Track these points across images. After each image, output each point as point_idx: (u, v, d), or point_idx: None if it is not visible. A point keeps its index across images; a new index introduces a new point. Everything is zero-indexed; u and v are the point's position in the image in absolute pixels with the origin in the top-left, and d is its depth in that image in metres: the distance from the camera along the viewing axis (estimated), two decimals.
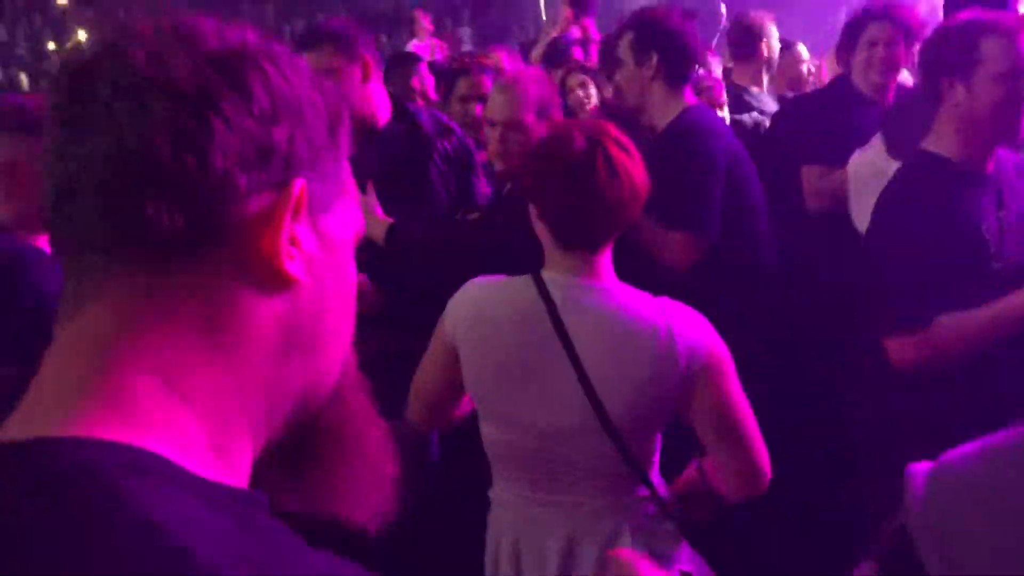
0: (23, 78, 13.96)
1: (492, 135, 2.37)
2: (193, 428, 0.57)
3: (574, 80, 3.92)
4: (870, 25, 3.00)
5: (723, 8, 6.56)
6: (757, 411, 1.67)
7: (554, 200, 1.65)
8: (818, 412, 2.50)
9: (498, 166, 2.40)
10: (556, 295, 1.64)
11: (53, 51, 15.65)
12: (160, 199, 0.56)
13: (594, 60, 4.75)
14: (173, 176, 0.55)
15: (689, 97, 2.65)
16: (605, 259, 1.68)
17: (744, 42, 3.76)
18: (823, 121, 3.08)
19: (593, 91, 3.81)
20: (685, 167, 2.46)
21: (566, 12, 5.31)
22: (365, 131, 2.50)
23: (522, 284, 1.68)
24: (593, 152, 1.62)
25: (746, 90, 3.69)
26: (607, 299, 1.64)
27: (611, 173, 1.62)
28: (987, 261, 2.04)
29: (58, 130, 0.59)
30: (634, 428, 1.63)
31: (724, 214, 2.49)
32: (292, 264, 0.60)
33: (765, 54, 3.72)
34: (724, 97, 3.41)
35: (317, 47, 2.49)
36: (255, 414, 0.61)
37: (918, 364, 2.02)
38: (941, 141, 2.10)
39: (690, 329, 1.62)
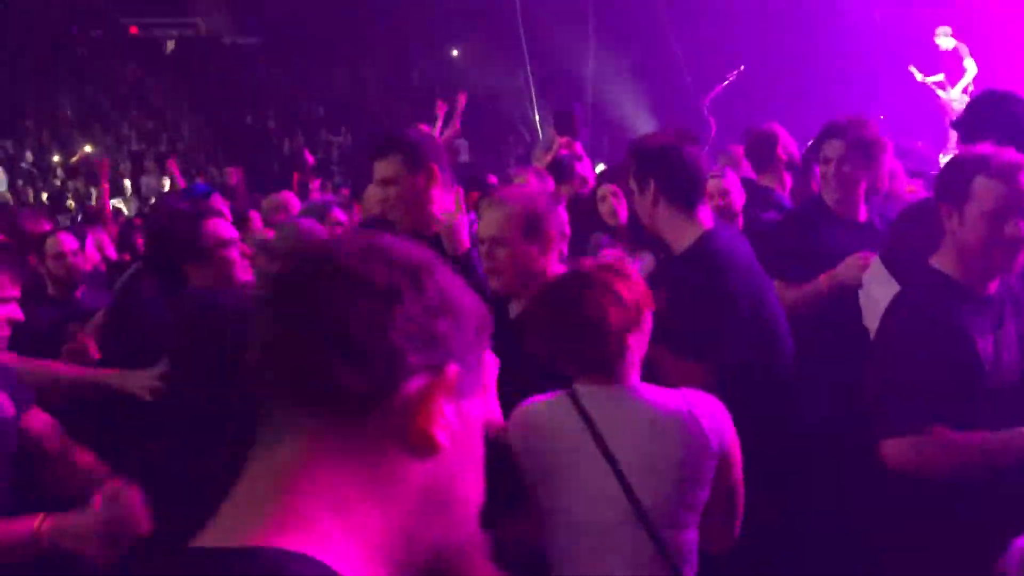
0: (29, 191, 14.22)
1: (482, 251, 2.39)
2: (352, 551, 0.71)
3: (604, 190, 4.04)
4: (825, 143, 3.11)
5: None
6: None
7: (554, 342, 1.83)
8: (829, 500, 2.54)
9: (491, 283, 2.39)
10: (587, 404, 1.80)
11: (58, 163, 15.98)
12: (348, 365, 0.71)
13: (592, 177, 5.01)
14: (361, 348, 0.71)
15: (706, 220, 2.52)
16: (626, 366, 1.82)
17: (761, 151, 3.92)
18: (788, 240, 3.15)
19: (623, 200, 3.86)
20: (701, 298, 2.40)
21: (559, 139, 5.73)
22: (415, 232, 2.57)
23: (559, 398, 1.85)
24: (579, 293, 1.79)
25: (770, 190, 3.81)
26: (632, 397, 1.82)
27: (596, 309, 1.76)
28: (979, 379, 2.09)
29: (268, 310, 0.75)
30: (668, 517, 1.76)
31: (748, 343, 2.41)
32: (441, 434, 0.73)
33: (784, 157, 3.85)
34: (733, 185, 3.47)
35: (385, 156, 2.62)
36: (396, 555, 0.74)
37: (909, 469, 2.07)
38: (944, 259, 2.22)
39: (712, 413, 1.82)
